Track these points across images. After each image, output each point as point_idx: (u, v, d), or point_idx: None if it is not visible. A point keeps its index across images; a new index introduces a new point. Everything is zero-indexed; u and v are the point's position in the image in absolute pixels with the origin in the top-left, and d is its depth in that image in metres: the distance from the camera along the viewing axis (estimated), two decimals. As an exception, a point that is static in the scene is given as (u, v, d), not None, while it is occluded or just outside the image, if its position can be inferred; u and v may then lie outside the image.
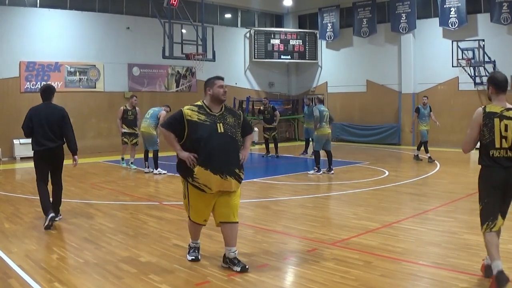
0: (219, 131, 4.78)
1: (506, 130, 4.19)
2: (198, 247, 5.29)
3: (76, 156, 7.08)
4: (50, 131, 6.75)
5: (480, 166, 4.41)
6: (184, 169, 4.83)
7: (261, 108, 16.36)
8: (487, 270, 4.42)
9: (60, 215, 7.28)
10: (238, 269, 4.81)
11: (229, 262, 4.92)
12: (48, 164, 6.94)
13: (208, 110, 4.88)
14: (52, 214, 6.66)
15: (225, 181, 4.77)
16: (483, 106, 4.36)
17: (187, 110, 4.87)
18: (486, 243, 4.25)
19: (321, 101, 12.76)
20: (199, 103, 4.97)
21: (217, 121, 4.82)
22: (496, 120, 4.22)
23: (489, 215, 4.26)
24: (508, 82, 4.48)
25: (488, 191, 4.30)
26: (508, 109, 4.25)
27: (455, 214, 7.25)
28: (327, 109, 12.14)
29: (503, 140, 4.20)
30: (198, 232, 5.22)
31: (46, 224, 6.57)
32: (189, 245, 5.31)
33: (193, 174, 4.75)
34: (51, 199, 6.99)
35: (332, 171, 11.67)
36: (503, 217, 4.31)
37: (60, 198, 7.17)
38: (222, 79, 5.01)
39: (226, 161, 4.76)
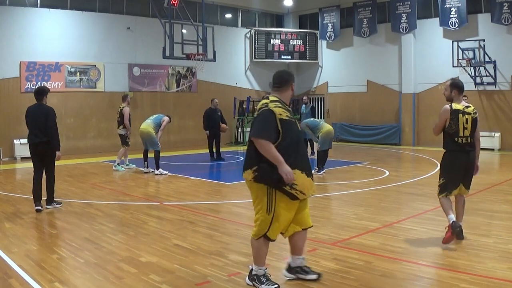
0: (299, 128, 4.48)
1: (467, 122, 5.65)
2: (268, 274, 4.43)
3: (57, 152, 7.81)
4: (37, 128, 7.73)
5: (444, 151, 5.90)
6: (274, 178, 4.12)
7: None
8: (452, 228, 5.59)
9: (58, 204, 8.03)
10: (315, 276, 4.51)
11: (300, 271, 4.54)
12: (38, 157, 7.88)
13: (287, 106, 4.39)
14: (38, 207, 7.73)
15: (313, 183, 4.39)
16: (449, 104, 5.72)
17: (275, 108, 4.21)
18: (442, 204, 5.79)
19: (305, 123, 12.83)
20: (273, 98, 4.34)
21: (294, 117, 4.40)
22: (460, 115, 5.65)
23: (448, 188, 5.78)
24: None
25: (450, 170, 5.78)
26: (467, 107, 5.72)
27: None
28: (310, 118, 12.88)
29: (465, 130, 5.66)
30: (266, 254, 4.47)
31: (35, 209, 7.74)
32: (257, 276, 4.36)
33: (294, 182, 4.16)
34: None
35: (317, 171, 11.73)
36: (467, 187, 5.89)
37: (51, 187, 7.98)
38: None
39: (308, 161, 4.42)
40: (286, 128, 4.19)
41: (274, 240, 4.35)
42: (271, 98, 4.32)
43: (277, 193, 4.19)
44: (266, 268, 4.39)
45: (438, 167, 6.15)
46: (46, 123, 7.66)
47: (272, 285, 4.29)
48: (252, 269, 4.42)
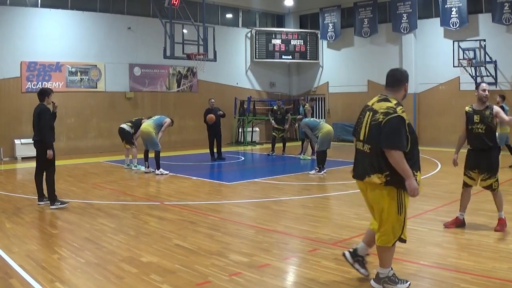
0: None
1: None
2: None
3: (48, 150, 8.00)
4: (33, 127, 8.12)
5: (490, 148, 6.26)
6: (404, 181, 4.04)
7: (275, 108, 16.75)
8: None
9: (62, 204, 8.04)
10: (367, 273, 4.56)
11: (361, 261, 4.57)
12: (36, 155, 8.28)
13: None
14: (38, 202, 8.21)
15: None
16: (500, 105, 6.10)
17: (402, 113, 4.05)
18: (502, 198, 6.37)
19: (301, 119, 12.93)
20: (395, 100, 4.14)
21: None
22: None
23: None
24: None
25: None
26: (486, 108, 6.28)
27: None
28: (310, 118, 12.79)
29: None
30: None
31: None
32: (388, 277, 4.27)
33: (418, 182, 4.10)
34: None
35: (317, 171, 11.77)
36: None
37: (48, 184, 8.10)
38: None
39: None
40: (411, 131, 4.11)
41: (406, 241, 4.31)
42: (393, 100, 4.13)
43: (404, 192, 4.13)
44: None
45: (492, 164, 6.33)
46: (38, 121, 7.98)
47: (405, 283, 4.28)
48: (379, 273, 4.31)
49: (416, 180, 4.07)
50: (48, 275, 4.78)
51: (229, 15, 21.94)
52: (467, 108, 6.38)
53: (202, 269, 4.92)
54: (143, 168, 12.42)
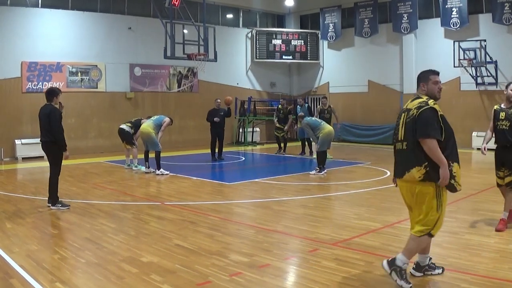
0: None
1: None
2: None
3: (64, 152, 7.96)
4: (42, 127, 8.01)
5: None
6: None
7: (279, 107, 17.09)
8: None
9: (63, 207, 7.96)
10: (441, 271, 4.65)
11: (428, 269, 4.63)
12: (46, 155, 8.18)
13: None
14: (48, 204, 8.05)
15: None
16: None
17: (434, 104, 4.28)
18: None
19: (303, 117, 12.86)
20: (426, 96, 4.40)
21: None
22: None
23: None
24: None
25: None
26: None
27: (456, 214, 7.23)
28: (311, 117, 12.75)
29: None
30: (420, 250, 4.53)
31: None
32: (400, 268, 4.32)
33: (453, 174, 4.23)
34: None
35: (318, 171, 11.76)
36: None
37: (50, 185, 8.01)
38: (437, 73, 4.55)
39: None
40: (445, 122, 4.27)
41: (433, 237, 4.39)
42: (423, 96, 4.39)
43: (442, 188, 4.26)
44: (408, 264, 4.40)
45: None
46: (50, 123, 7.86)
47: (408, 284, 4.29)
48: (397, 258, 4.35)
49: (452, 171, 4.20)
50: (48, 275, 4.79)
51: (229, 15, 21.94)
52: (496, 106, 6.63)
53: (202, 269, 4.93)
54: (143, 168, 12.42)
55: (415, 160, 4.24)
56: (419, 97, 4.43)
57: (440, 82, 4.53)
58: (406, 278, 4.32)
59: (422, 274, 4.63)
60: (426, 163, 4.18)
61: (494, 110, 6.59)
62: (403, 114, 4.45)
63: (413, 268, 4.66)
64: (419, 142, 4.20)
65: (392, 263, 4.36)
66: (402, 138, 4.39)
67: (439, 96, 4.47)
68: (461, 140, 11.80)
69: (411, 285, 4.30)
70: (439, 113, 4.24)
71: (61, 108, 8.30)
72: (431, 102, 4.29)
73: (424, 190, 4.25)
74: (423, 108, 4.24)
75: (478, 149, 6.41)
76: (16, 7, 15.75)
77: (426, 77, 4.49)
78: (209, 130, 14.72)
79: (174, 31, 14.09)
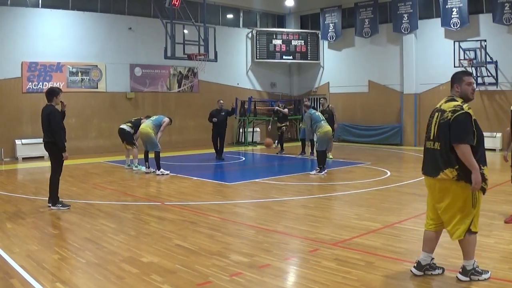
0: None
1: None
2: None
3: (63, 153, 7.89)
4: (42, 128, 7.99)
5: None
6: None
7: (276, 109, 17.42)
8: None
9: (63, 207, 7.97)
10: (441, 271, 4.67)
11: (429, 268, 4.65)
12: (49, 156, 8.17)
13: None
14: (49, 204, 8.05)
15: None
16: None
17: (469, 109, 4.34)
18: None
19: (309, 106, 12.97)
20: (460, 99, 4.47)
21: None
22: None
23: None
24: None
25: None
26: None
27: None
28: (316, 111, 12.65)
29: None
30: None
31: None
32: (474, 269, 4.44)
33: (485, 177, 4.33)
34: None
35: (318, 171, 11.76)
36: None
37: (51, 185, 8.03)
38: (471, 74, 4.64)
39: None
40: (477, 127, 4.33)
41: (477, 232, 4.45)
42: (459, 99, 4.45)
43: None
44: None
45: None
46: (49, 124, 7.85)
47: (486, 273, 4.47)
48: (465, 266, 4.46)
49: (484, 174, 4.30)
50: (48, 275, 4.79)
51: (230, 16, 21.94)
52: None
53: (202, 269, 4.93)
54: (143, 169, 12.42)
55: (448, 162, 4.32)
56: (453, 99, 4.47)
57: (474, 83, 4.57)
58: (482, 271, 4.44)
59: (422, 273, 4.64)
60: (458, 166, 4.27)
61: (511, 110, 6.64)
62: (436, 114, 4.50)
63: (414, 267, 4.68)
64: (452, 146, 4.28)
65: (465, 272, 4.45)
66: (435, 138, 4.45)
67: (473, 97, 4.53)
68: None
69: (489, 272, 4.47)
70: (474, 118, 4.31)
71: (63, 107, 8.24)
72: (466, 106, 4.34)
73: (459, 188, 4.32)
74: (459, 113, 4.29)
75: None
76: (17, 7, 15.75)
77: (460, 78, 4.54)
78: (211, 130, 14.86)
79: (174, 31, 14.10)
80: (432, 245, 4.67)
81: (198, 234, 6.35)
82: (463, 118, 4.26)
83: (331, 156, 14.55)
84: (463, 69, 16.48)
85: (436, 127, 4.45)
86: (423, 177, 4.69)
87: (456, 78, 4.57)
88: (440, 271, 4.67)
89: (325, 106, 15.16)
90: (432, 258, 4.68)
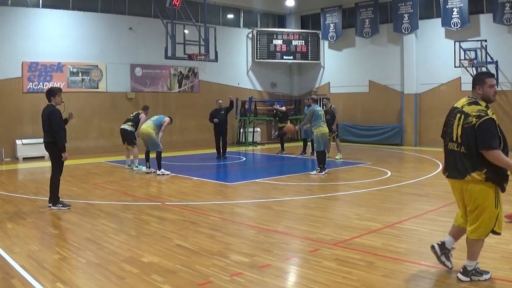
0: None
1: None
2: None
3: (63, 154, 7.87)
4: (43, 128, 8.00)
5: None
6: (501, 176, 4.36)
7: (275, 110, 17.59)
8: None
9: (63, 207, 7.96)
10: (450, 267, 4.74)
11: (447, 254, 4.74)
12: (50, 156, 8.14)
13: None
14: (49, 205, 8.03)
15: None
16: None
17: (493, 114, 4.34)
18: None
19: (316, 101, 12.95)
20: (483, 102, 4.44)
21: None
22: None
23: None
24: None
25: None
26: None
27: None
28: (322, 109, 12.59)
29: None
30: None
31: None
32: (475, 270, 4.48)
33: (508, 177, 4.41)
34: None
35: (319, 171, 11.79)
36: None
37: (51, 185, 8.01)
38: (493, 76, 4.60)
39: None
40: (501, 131, 4.35)
41: (500, 233, 4.50)
42: (482, 103, 4.41)
43: (499, 188, 4.39)
44: None
45: None
46: (50, 124, 7.85)
47: (487, 274, 4.52)
48: (466, 266, 4.50)
49: (508, 175, 4.39)
50: (49, 275, 4.80)
51: (230, 16, 21.94)
52: None
53: (203, 270, 4.93)
54: (144, 169, 12.43)
55: (476, 166, 4.32)
56: (477, 102, 4.42)
57: (495, 85, 4.56)
58: (482, 272, 4.48)
59: (439, 254, 4.71)
60: (485, 170, 4.28)
61: None
62: (458, 115, 4.46)
63: (437, 243, 4.75)
64: (479, 151, 4.29)
65: (465, 272, 4.48)
66: (459, 141, 4.41)
67: (494, 99, 4.50)
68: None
69: (490, 273, 4.51)
70: (497, 123, 4.31)
71: (71, 116, 8.37)
72: (490, 111, 4.32)
73: (484, 189, 4.33)
74: (484, 118, 4.27)
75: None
76: (17, 7, 15.76)
77: (482, 80, 4.48)
78: (212, 130, 15.00)
79: (174, 31, 14.09)
80: (459, 236, 4.76)
81: (199, 234, 6.35)
82: (488, 124, 4.25)
83: (340, 157, 14.78)
84: (462, 69, 16.54)
85: (459, 129, 4.41)
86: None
87: (478, 80, 4.50)
88: (450, 265, 4.73)
89: (328, 106, 15.16)
90: (453, 248, 4.76)
